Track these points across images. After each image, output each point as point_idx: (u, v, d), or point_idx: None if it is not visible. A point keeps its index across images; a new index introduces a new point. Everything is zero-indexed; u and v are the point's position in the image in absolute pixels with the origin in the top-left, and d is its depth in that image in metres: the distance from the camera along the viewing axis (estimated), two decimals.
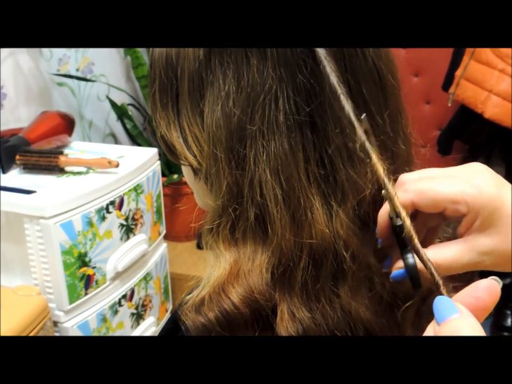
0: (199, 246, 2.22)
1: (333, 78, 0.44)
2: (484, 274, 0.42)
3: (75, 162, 1.49)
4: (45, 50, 1.90)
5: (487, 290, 0.38)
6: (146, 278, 1.65)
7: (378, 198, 0.48)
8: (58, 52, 1.96)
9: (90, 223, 1.36)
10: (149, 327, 1.68)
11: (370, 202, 0.48)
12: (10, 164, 1.47)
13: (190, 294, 0.50)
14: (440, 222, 0.49)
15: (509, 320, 2.10)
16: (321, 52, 0.45)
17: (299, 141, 0.46)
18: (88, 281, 1.38)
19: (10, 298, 1.30)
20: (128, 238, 1.53)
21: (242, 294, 0.47)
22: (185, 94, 0.50)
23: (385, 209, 0.46)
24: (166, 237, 1.89)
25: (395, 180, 0.47)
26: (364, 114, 0.44)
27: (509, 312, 2.10)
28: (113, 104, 2.16)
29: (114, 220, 1.46)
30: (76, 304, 1.36)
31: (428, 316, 0.41)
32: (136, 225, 1.56)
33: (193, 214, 0.55)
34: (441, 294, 0.40)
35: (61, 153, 1.49)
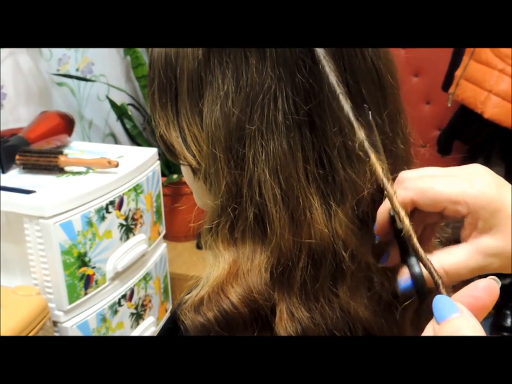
0: (199, 246, 2.22)
1: (332, 78, 0.44)
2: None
3: (75, 162, 1.49)
4: (45, 50, 1.91)
5: (486, 289, 0.38)
6: (146, 278, 1.65)
7: (377, 198, 0.48)
8: (58, 51, 1.96)
9: (90, 223, 1.36)
10: (149, 327, 1.68)
11: (369, 202, 0.48)
12: (10, 163, 1.48)
13: (189, 293, 0.50)
14: (438, 220, 0.49)
15: (508, 320, 2.10)
16: (320, 52, 0.45)
17: (298, 140, 0.46)
18: (87, 281, 1.38)
19: (10, 298, 1.30)
20: (127, 238, 1.53)
21: (241, 294, 0.47)
22: (184, 93, 0.50)
23: (384, 207, 0.46)
24: (166, 237, 1.89)
25: (394, 180, 0.47)
26: (367, 107, 0.44)
27: (508, 312, 2.10)
28: (113, 104, 2.16)
29: (114, 219, 1.46)
30: (75, 304, 1.36)
31: (427, 315, 0.41)
32: (135, 225, 1.56)
33: (193, 214, 0.55)
34: (440, 293, 0.40)
35: (61, 153, 1.49)
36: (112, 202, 1.44)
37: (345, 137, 0.46)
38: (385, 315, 0.49)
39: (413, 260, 0.43)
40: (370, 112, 0.46)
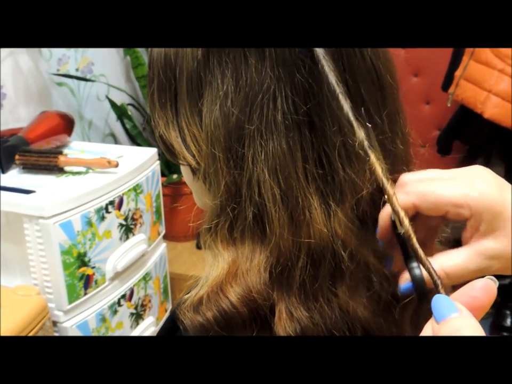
0: (199, 246, 2.22)
1: (331, 78, 0.44)
2: None
3: (74, 162, 1.49)
4: (45, 50, 1.91)
5: (483, 289, 0.38)
6: (145, 278, 1.65)
7: (376, 198, 0.48)
8: (58, 51, 1.96)
9: (89, 223, 1.36)
10: (148, 327, 1.68)
11: (368, 201, 0.48)
12: (10, 163, 1.48)
13: (188, 293, 0.50)
14: (440, 222, 0.49)
15: (508, 320, 2.10)
16: (319, 52, 0.45)
17: (297, 140, 0.46)
18: (87, 281, 1.38)
19: (9, 298, 1.30)
20: (127, 238, 1.53)
21: (241, 294, 0.47)
22: (183, 93, 0.50)
23: (386, 211, 0.45)
24: (166, 237, 1.89)
25: (393, 180, 0.47)
26: (362, 109, 0.44)
27: (508, 312, 2.10)
28: (112, 104, 2.16)
29: (113, 219, 1.46)
30: (75, 304, 1.36)
31: (426, 314, 0.41)
32: (135, 225, 1.56)
33: (192, 214, 0.55)
34: (440, 293, 0.40)
35: (61, 153, 1.49)
36: (111, 202, 1.44)
37: (344, 137, 0.46)
38: (384, 315, 0.49)
39: (414, 263, 0.43)
40: (366, 113, 0.46)
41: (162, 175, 2.03)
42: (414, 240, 0.42)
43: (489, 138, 2.00)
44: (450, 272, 0.43)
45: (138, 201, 1.56)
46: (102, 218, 1.41)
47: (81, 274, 1.36)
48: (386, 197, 0.44)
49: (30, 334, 1.25)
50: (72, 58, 2.03)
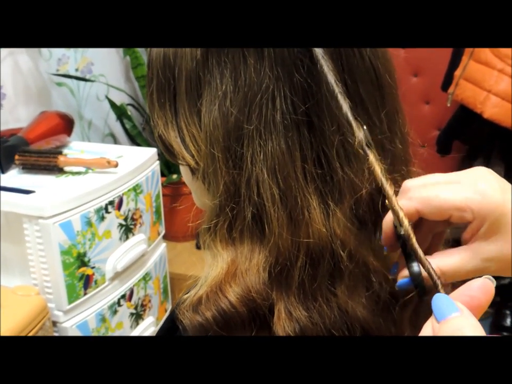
0: (198, 246, 2.22)
1: (330, 77, 0.44)
2: None
3: (74, 162, 1.48)
4: (44, 50, 1.91)
5: (481, 289, 0.38)
6: (145, 278, 1.65)
7: (376, 198, 0.48)
8: (58, 52, 1.96)
9: (89, 223, 1.36)
10: (148, 327, 1.68)
11: (367, 201, 0.48)
12: (10, 163, 1.47)
13: (187, 293, 0.50)
14: (445, 228, 0.48)
15: (508, 320, 2.10)
16: (318, 52, 0.45)
17: (296, 140, 0.46)
18: (87, 281, 1.38)
19: (9, 298, 1.30)
20: (127, 238, 1.53)
21: (240, 293, 0.47)
22: (182, 93, 0.50)
23: (389, 216, 0.45)
24: (165, 237, 1.89)
25: (393, 180, 0.47)
26: (365, 127, 0.44)
27: (508, 312, 2.10)
28: (112, 104, 2.16)
29: (113, 219, 1.46)
30: (75, 304, 1.36)
31: (426, 314, 0.41)
32: (135, 225, 1.56)
33: (191, 214, 0.55)
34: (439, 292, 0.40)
35: (60, 153, 1.49)
36: (111, 202, 1.44)
37: (343, 136, 0.46)
38: (383, 315, 0.49)
39: (413, 262, 0.43)
40: (365, 113, 0.46)
41: (162, 175, 2.03)
42: (414, 241, 0.42)
43: (489, 138, 2.00)
44: (447, 271, 0.44)
45: (138, 201, 1.56)
46: (102, 218, 1.41)
47: (81, 274, 1.36)
48: (385, 196, 0.44)
49: (30, 334, 1.25)
50: (72, 58, 2.03)
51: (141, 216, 1.58)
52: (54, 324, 1.36)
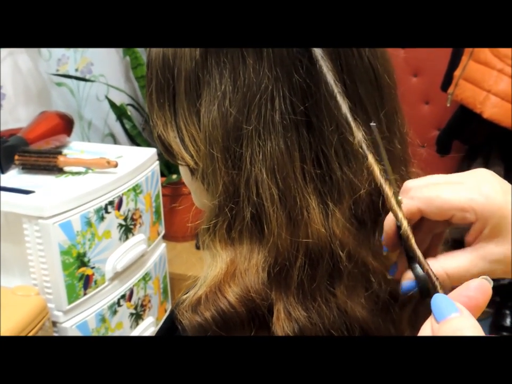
0: (198, 246, 2.22)
1: (329, 78, 0.44)
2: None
3: (74, 163, 1.48)
4: (44, 51, 1.91)
5: (479, 289, 0.38)
6: (145, 278, 1.65)
7: (375, 198, 0.48)
8: (57, 52, 1.96)
9: (89, 223, 1.36)
10: (148, 327, 1.68)
11: (367, 201, 0.48)
12: (9, 164, 1.47)
13: (186, 293, 0.50)
14: (445, 228, 0.48)
15: (508, 320, 2.10)
16: (317, 52, 0.45)
17: (295, 140, 0.46)
18: (87, 281, 1.38)
19: (9, 299, 1.30)
20: (127, 238, 1.53)
21: (239, 293, 0.47)
22: (182, 94, 0.50)
23: (391, 218, 0.45)
24: (165, 237, 1.89)
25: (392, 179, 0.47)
26: (374, 124, 0.44)
27: (508, 312, 2.10)
28: (112, 104, 2.16)
29: (113, 220, 1.46)
30: (74, 304, 1.36)
31: (425, 314, 0.41)
32: (135, 225, 1.56)
33: (191, 214, 0.55)
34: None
35: (60, 153, 1.49)
36: (111, 203, 1.44)
37: (342, 136, 0.46)
38: (382, 315, 0.49)
39: (416, 263, 0.43)
40: (364, 113, 0.46)
41: (162, 175, 2.03)
42: (413, 241, 0.42)
43: (489, 138, 2.00)
44: (453, 275, 0.43)
45: (137, 202, 1.56)
46: (102, 218, 1.41)
47: (80, 275, 1.36)
48: (385, 197, 0.44)
49: (30, 335, 1.25)
50: (72, 58, 2.03)
51: (140, 216, 1.58)
52: (54, 324, 1.36)
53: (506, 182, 0.45)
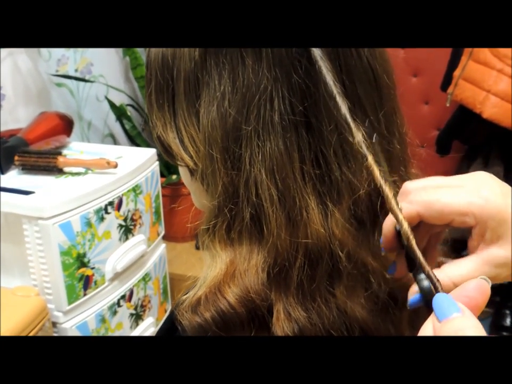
0: (198, 247, 2.22)
1: (329, 78, 0.44)
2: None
3: (74, 163, 1.48)
4: (44, 51, 1.91)
5: (477, 290, 0.38)
6: (145, 279, 1.65)
7: (374, 198, 0.48)
8: (57, 52, 1.96)
9: (89, 224, 1.36)
10: (148, 328, 1.68)
11: (366, 201, 0.48)
12: (9, 164, 1.47)
13: (186, 294, 0.50)
14: (444, 229, 0.48)
15: (508, 320, 2.10)
16: (316, 52, 0.45)
17: (294, 141, 0.46)
18: (87, 282, 1.38)
19: (9, 299, 1.30)
20: (127, 238, 1.53)
21: (238, 294, 0.47)
22: (181, 94, 0.50)
23: (390, 220, 0.45)
24: (165, 238, 1.88)
25: (391, 181, 0.47)
26: (375, 135, 0.43)
27: (508, 312, 2.10)
28: (112, 104, 2.16)
29: (113, 220, 1.46)
30: (74, 304, 1.36)
31: (424, 315, 0.41)
32: (135, 225, 1.56)
33: (190, 215, 0.55)
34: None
35: (60, 153, 1.49)
36: (111, 203, 1.44)
37: (341, 137, 0.46)
38: (382, 315, 0.49)
39: (421, 274, 0.42)
40: (363, 113, 0.46)
41: (162, 175, 2.03)
42: (413, 243, 0.42)
43: (488, 138, 2.00)
44: (459, 283, 0.42)
45: (137, 202, 1.56)
46: (101, 219, 1.41)
47: (80, 275, 1.36)
48: (384, 199, 0.43)
49: (30, 335, 1.25)
50: (71, 59, 2.03)
51: (140, 217, 1.58)
52: (54, 324, 1.36)
53: (506, 184, 0.44)
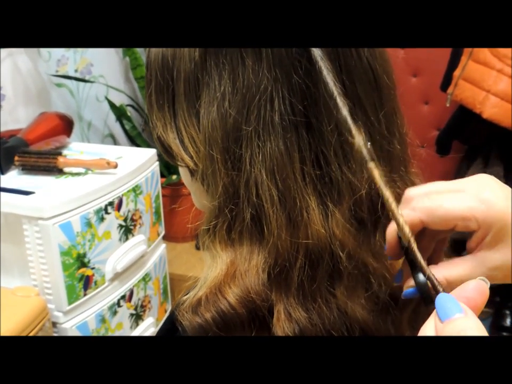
0: (198, 247, 2.22)
1: (329, 78, 0.44)
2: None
3: (74, 163, 1.48)
4: (44, 51, 1.91)
5: (476, 290, 0.38)
6: (145, 279, 1.65)
7: (375, 199, 0.48)
8: (57, 52, 1.96)
9: (89, 224, 1.36)
10: (148, 328, 1.68)
11: (366, 202, 0.48)
12: (9, 165, 1.47)
13: (186, 294, 0.50)
14: (448, 234, 0.48)
15: (508, 320, 2.10)
16: (316, 52, 0.45)
17: (295, 141, 0.46)
18: (87, 282, 1.38)
19: (9, 299, 1.30)
20: (127, 238, 1.53)
21: (239, 295, 0.47)
22: (181, 95, 0.50)
23: (393, 226, 0.44)
24: (165, 238, 1.88)
25: (392, 180, 0.47)
26: (369, 144, 0.43)
27: (508, 312, 2.10)
28: (112, 105, 2.16)
29: (113, 220, 1.46)
30: (74, 305, 1.36)
31: (425, 315, 0.41)
32: (135, 226, 1.56)
33: (190, 215, 0.55)
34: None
35: (60, 154, 1.49)
36: (111, 203, 1.44)
37: (341, 137, 0.46)
38: (382, 315, 0.49)
39: (418, 271, 0.43)
40: (363, 113, 0.46)
41: (162, 176, 2.03)
42: (415, 248, 0.42)
43: (488, 138, 2.00)
44: (453, 282, 0.43)
45: (137, 202, 1.56)
46: (102, 219, 1.41)
47: (80, 275, 1.36)
48: (385, 202, 0.43)
49: (30, 335, 1.25)
50: (71, 59, 2.03)
51: (140, 217, 1.58)
52: (54, 324, 1.36)
53: (508, 186, 0.44)
